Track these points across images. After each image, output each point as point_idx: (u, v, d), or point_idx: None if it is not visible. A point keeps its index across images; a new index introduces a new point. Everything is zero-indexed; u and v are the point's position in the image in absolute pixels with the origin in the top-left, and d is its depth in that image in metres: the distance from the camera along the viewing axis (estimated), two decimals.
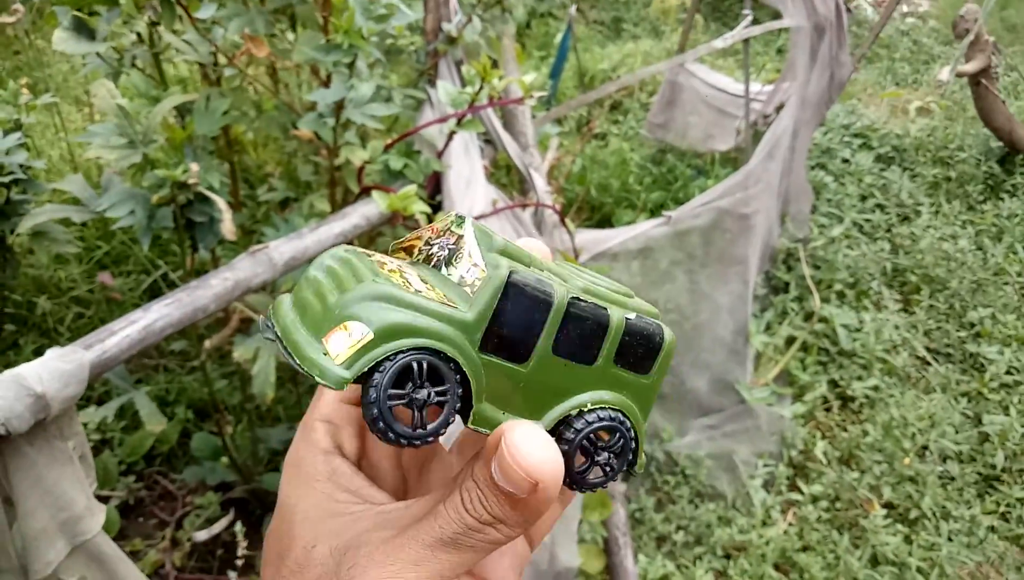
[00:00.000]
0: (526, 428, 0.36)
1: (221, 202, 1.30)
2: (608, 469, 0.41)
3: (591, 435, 0.40)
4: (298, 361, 0.34)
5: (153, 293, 2.30)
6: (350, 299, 0.34)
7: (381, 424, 0.34)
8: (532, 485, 0.35)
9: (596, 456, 0.41)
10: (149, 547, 1.86)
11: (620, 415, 0.41)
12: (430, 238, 0.41)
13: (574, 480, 0.41)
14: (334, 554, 0.37)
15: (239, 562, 1.74)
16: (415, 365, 0.34)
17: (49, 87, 3.05)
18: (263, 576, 0.41)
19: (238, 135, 2.33)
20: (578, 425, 0.40)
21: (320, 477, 0.40)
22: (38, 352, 1.54)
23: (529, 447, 0.35)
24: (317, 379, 0.33)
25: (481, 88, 1.39)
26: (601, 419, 0.40)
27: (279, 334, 0.36)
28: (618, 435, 0.41)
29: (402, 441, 0.35)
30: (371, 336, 0.33)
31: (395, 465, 0.46)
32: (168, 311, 1.08)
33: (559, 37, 4.24)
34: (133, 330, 1.02)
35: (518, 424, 0.36)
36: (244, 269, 1.22)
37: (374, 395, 0.34)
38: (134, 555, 1.82)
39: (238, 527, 1.77)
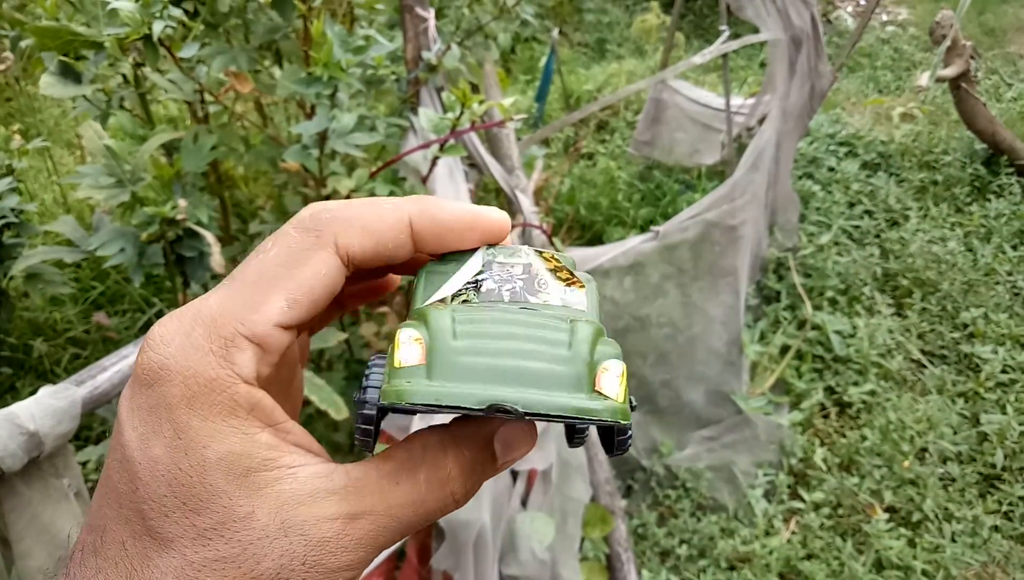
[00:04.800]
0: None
1: (209, 236, 1.32)
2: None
3: None
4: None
5: None
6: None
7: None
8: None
9: None
10: None
11: None
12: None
13: None
14: (283, 529, 0.31)
15: None
16: None
17: (41, 132, 3.09)
18: (109, 500, 0.32)
19: (228, 170, 2.36)
20: None
21: (240, 412, 0.33)
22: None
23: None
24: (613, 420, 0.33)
25: (461, 113, 1.42)
26: None
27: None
28: None
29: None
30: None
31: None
32: None
33: (544, 61, 4.29)
34: (125, 365, 1.04)
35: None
36: None
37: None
38: None
39: None
